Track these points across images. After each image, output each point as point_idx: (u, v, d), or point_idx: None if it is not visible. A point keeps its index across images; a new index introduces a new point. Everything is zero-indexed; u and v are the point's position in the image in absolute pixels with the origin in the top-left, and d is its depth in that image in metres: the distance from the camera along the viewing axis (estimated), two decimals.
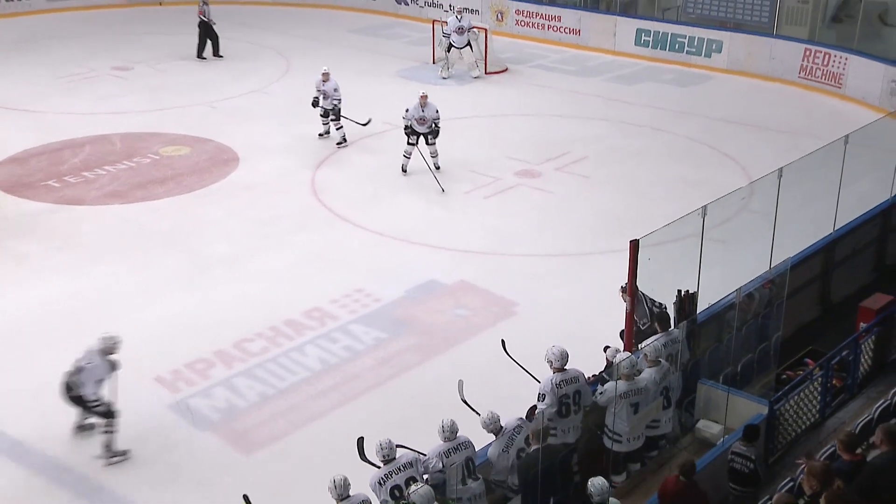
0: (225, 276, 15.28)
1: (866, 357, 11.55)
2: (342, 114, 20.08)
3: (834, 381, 11.02)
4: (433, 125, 18.15)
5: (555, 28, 28.06)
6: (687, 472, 8.70)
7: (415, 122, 18.09)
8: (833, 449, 8.88)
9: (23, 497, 10.80)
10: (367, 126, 20.56)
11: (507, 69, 25.45)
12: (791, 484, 8.73)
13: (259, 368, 12.88)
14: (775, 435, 10.46)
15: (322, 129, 20.60)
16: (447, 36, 24.72)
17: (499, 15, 28.79)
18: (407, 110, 18.11)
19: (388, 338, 13.55)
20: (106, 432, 11.12)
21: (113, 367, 11.13)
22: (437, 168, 18.37)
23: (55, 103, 22.61)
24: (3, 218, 17.14)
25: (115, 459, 11.03)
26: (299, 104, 22.31)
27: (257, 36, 27.95)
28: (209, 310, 14.29)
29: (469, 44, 24.81)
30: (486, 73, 25.03)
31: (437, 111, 18.24)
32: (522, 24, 28.55)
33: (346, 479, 8.50)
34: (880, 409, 10.03)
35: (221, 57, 26.63)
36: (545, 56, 26.92)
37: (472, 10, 27.92)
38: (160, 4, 31.47)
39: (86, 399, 11.00)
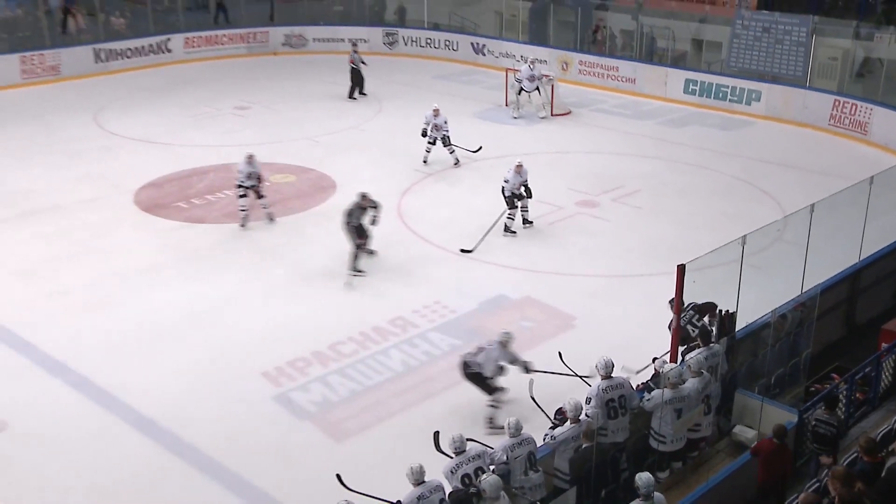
0: (323, 286, 15.37)
1: (887, 374, 11.42)
2: (451, 141, 20.78)
3: (857, 394, 10.84)
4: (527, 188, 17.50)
5: (613, 77, 27.92)
6: (780, 435, 9.26)
7: (515, 189, 17.26)
8: (856, 454, 8.74)
9: (156, 468, 11.01)
10: (477, 153, 21.18)
11: (570, 112, 25.35)
12: (817, 485, 8.56)
13: (350, 368, 12.95)
14: (804, 441, 10.28)
15: (426, 155, 21.02)
16: (519, 81, 24.69)
17: (564, 65, 28.71)
18: (507, 181, 17.12)
19: (462, 344, 13.49)
20: (492, 406, 11.47)
21: (512, 358, 11.45)
22: (530, 222, 17.68)
23: (187, 137, 23.01)
24: (141, 233, 17.44)
25: (494, 431, 11.14)
26: (390, 140, 22.53)
27: None
28: (309, 315, 14.40)
29: (538, 89, 24.77)
30: (552, 114, 24.95)
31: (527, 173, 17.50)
32: (585, 73, 28.44)
33: (421, 467, 8.49)
34: None
35: (365, 95, 26.96)
36: (604, 101, 26.78)
37: (540, 60, 27.83)
38: (274, 54, 31.88)
39: (484, 376, 11.46)
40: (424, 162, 21.11)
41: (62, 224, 17.52)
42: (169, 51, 30.45)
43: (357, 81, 26.99)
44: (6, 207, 18.42)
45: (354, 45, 28.03)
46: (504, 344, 11.46)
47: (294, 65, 30.57)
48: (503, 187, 17.23)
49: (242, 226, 17.45)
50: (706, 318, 12.38)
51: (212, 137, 23.04)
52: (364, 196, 15.80)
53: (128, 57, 29.53)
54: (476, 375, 11.56)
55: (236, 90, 27.36)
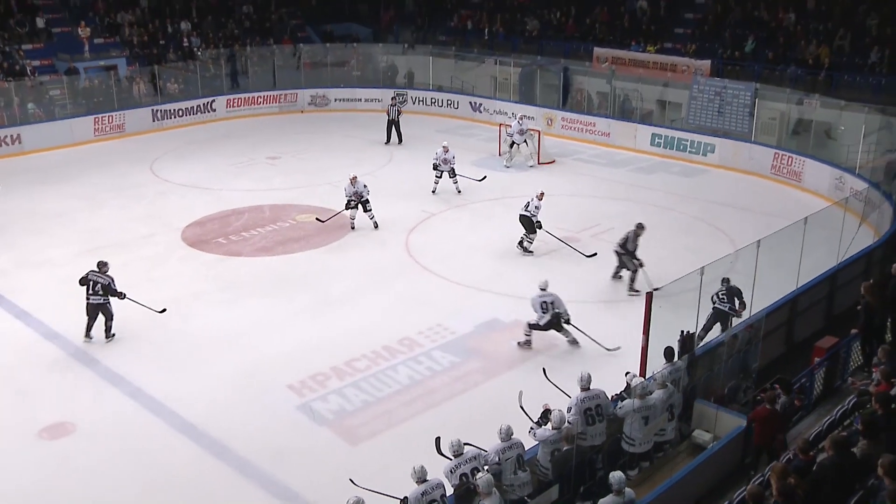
0: (340, 311, 15.36)
1: (818, 383, 11.45)
2: (457, 172, 21.59)
3: (795, 402, 10.78)
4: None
5: (591, 131, 27.94)
6: (773, 401, 9.74)
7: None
8: (793, 452, 8.72)
9: (197, 466, 11.02)
10: (482, 181, 21.93)
11: (554, 161, 25.35)
12: (761, 479, 8.53)
13: (363, 381, 12.90)
14: (750, 442, 10.25)
15: (434, 186, 21.68)
16: (511, 135, 24.74)
17: (549, 121, 28.75)
18: (538, 208, 17.63)
19: (461, 361, 13.48)
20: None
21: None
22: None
23: (226, 183, 23.02)
24: (187, 265, 17.46)
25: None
26: (400, 185, 22.53)
27: (370, 134, 28.21)
28: (328, 335, 14.36)
29: (526, 141, 24.81)
30: (538, 163, 24.97)
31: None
32: (567, 127, 28.48)
33: (423, 467, 8.45)
34: (828, 422, 9.98)
35: (388, 143, 27.19)
36: (583, 152, 26.78)
37: (528, 116, 27.91)
38: (301, 112, 32.01)
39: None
40: (433, 192, 21.62)
41: (123, 257, 17.50)
42: (213, 110, 30.60)
43: (394, 130, 27.36)
44: (78, 244, 18.41)
45: (393, 97, 28.55)
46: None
47: (319, 121, 30.64)
48: (532, 214, 17.60)
49: (353, 228, 19.19)
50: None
51: (248, 183, 23.06)
52: (640, 226, 15.94)
53: (179, 116, 29.74)
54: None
55: (269, 143, 27.42)
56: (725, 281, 12.96)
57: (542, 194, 17.82)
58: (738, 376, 11.15)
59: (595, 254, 17.64)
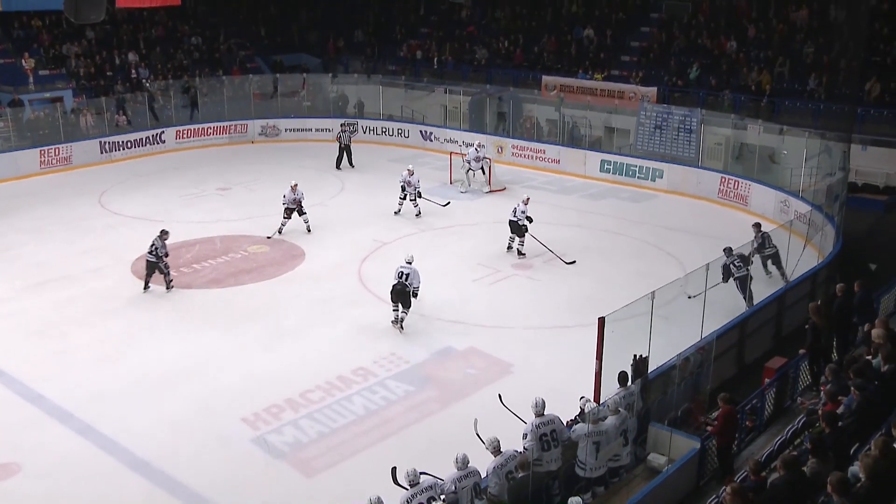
0: (294, 341, 15.24)
1: (769, 403, 11.58)
2: (422, 196, 22.30)
3: (747, 422, 10.93)
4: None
5: (541, 158, 28.18)
6: (731, 400, 10.24)
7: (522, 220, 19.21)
8: (746, 472, 8.83)
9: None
10: (446, 207, 22.51)
11: (506, 188, 25.53)
12: (716, 500, 8.62)
13: (318, 413, 12.80)
14: (704, 464, 10.35)
15: (399, 207, 22.37)
16: (468, 161, 24.89)
17: (499, 148, 28.94)
18: (524, 213, 19.02)
19: (416, 390, 13.45)
20: None
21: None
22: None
23: (177, 215, 22.73)
24: (136, 297, 17.19)
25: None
26: (352, 214, 22.50)
27: (320, 163, 28.13)
28: (282, 367, 14.24)
29: (483, 168, 24.98)
30: (491, 190, 25.12)
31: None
32: (517, 155, 28.70)
33: (379, 498, 8.41)
34: (779, 442, 10.13)
35: (340, 169, 27.54)
36: (534, 178, 26.99)
37: (480, 144, 28.11)
38: (252, 143, 31.84)
39: None
40: (396, 213, 22.28)
41: (70, 292, 17.22)
42: (163, 142, 30.29)
43: (342, 155, 27.68)
44: (23, 278, 18.06)
45: (343, 125, 29.23)
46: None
47: (270, 152, 30.49)
48: (519, 219, 18.97)
49: (280, 232, 20.61)
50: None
51: (198, 215, 22.82)
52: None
53: (128, 147, 29.39)
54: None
55: (220, 174, 27.18)
56: (728, 251, 14.89)
57: (528, 199, 19.42)
58: (690, 398, 11.28)
59: (574, 261, 18.52)
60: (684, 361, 11.28)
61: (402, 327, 15.39)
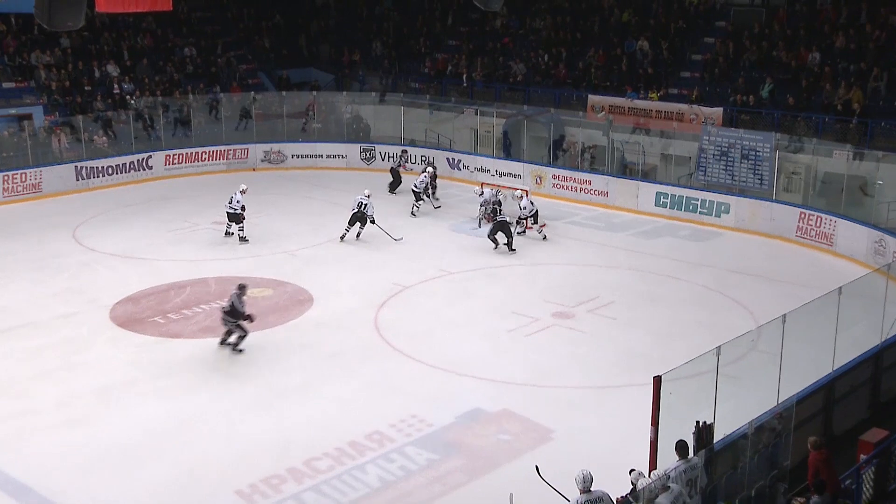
0: (298, 401, 15.17)
1: (868, 486, 11.17)
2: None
3: None
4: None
5: (586, 190, 28.25)
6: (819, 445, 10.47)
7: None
8: None
9: None
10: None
11: (545, 224, 25.48)
12: None
13: (325, 485, 12.66)
14: None
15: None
16: (482, 205, 24.97)
17: (538, 178, 29.04)
18: (532, 203, 22.88)
19: (439, 459, 13.29)
20: None
21: None
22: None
23: (165, 252, 22.91)
24: (115, 350, 17.21)
25: None
26: (367, 252, 22.52)
27: (332, 195, 28.32)
28: (283, 431, 14.15)
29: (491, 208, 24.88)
30: (527, 227, 25.04)
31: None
32: (558, 186, 28.77)
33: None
34: None
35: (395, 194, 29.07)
36: (577, 213, 27.03)
37: (515, 174, 28.15)
38: (253, 170, 32.14)
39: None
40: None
41: (37, 341, 17.29)
42: (150, 168, 30.67)
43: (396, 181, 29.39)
44: None
45: (402, 152, 30.93)
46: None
47: (273, 180, 30.78)
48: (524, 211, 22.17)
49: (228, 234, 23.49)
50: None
51: (189, 252, 22.97)
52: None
53: (109, 174, 29.72)
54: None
55: (214, 205, 27.36)
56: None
57: (527, 191, 22.31)
58: (766, 475, 11.04)
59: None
60: (758, 430, 11.08)
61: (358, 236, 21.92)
